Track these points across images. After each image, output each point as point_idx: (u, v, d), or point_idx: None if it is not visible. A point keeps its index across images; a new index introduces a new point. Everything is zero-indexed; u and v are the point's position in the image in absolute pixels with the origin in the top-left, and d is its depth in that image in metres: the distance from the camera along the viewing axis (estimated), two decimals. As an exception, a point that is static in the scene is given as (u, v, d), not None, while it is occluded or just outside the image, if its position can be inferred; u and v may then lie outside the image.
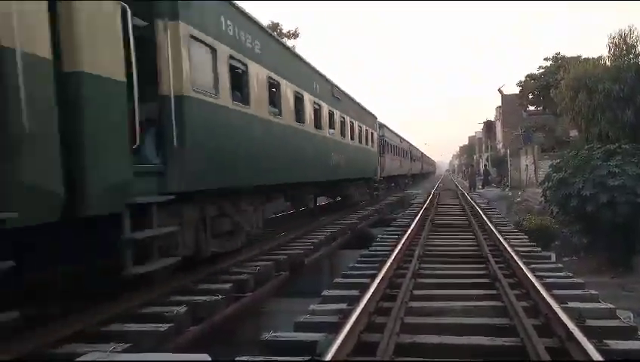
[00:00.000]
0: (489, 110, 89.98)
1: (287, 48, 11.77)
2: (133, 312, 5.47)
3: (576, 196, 17.76)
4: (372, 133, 21.93)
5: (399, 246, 8.99)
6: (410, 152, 41.49)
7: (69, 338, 4.67)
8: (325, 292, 6.67)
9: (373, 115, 22.86)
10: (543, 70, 42.16)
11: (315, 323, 5.45)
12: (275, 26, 29.96)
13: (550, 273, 7.54)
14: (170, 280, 6.55)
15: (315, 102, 12.73)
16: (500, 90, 52.56)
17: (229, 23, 7.72)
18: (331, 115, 14.61)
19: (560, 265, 8.54)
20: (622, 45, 20.97)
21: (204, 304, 5.86)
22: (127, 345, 4.46)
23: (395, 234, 11.48)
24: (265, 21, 29.84)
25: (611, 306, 5.78)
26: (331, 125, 14.61)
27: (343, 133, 16.15)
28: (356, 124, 18.40)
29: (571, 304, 5.69)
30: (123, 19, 5.32)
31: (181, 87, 6.31)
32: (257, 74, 8.81)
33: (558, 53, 42.08)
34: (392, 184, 31.83)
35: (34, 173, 4.20)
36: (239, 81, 8.23)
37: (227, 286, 6.58)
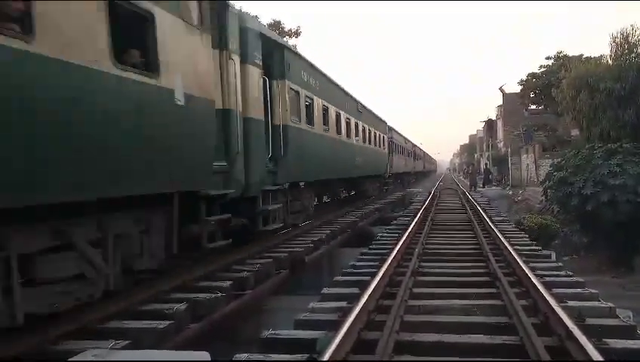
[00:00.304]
0: (490, 109, 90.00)
1: (333, 81, 15.42)
2: (133, 309, 5.48)
3: (576, 195, 17.77)
4: (383, 137, 25.60)
5: (399, 245, 8.99)
6: (414, 152, 45.49)
7: (68, 334, 4.67)
8: (325, 290, 6.67)
9: (384, 121, 26.83)
10: (544, 69, 42.09)
11: (315, 321, 5.45)
12: (276, 25, 29.93)
13: (550, 272, 7.54)
14: (171, 278, 6.57)
15: (346, 117, 16.67)
16: (501, 89, 52.51)
17: (304, 73, 11.91)
18: (356, 125, 18.41)
19: (560, 264, 8.54)
20: (624, 44, 20.96)
21: (204, 301, 5.87)
22: (127, 342, 4.47)
23: (396, 233, 11.49)
24: (267, 20, 29.85)
25: (611, 305, 5.78)
26: (356, 133, 18.39)
27: (363, 139, 19.92)
28: (372, 130, 22.13)
29: (571, 303, 5.69)
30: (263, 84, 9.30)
31: (286, 119, 10.26)
32: (317, 104, 12.95)
33: (560, 52, 42.03)
34: (398, 181, 34.47)
35: (237, 172, 7.97)
36: (308, 110, 12.22)
37: (227, 283, 6.58)
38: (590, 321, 5.13)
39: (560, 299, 5.59)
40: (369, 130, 21.09)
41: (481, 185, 39.44)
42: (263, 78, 9.29)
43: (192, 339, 5.34)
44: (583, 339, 4.17)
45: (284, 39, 28.60)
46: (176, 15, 6.09)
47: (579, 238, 20.03)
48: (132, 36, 5.52)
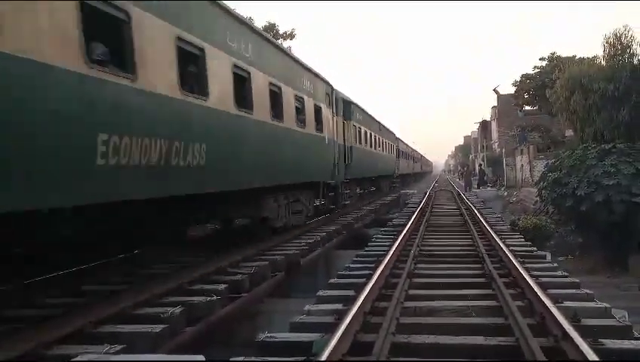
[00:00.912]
0: (485, 110, 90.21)
1: (372, 116, 24.54)
2: (127, 313, 5.44)
3: (571, 196, 17.82)
4: (393, 146, 33.33)
5: (395, 246, 8.98)
6: (413, 156, 54.59)
7: (63, 339, 4.64)
8: (320, 293, 6.66)
9: (394, 133, 35.22)
10: (538, 70, 42.26)
11: (311, 323, 5.44)
12: (271, 27, 29.93)
13: (545, 272, 7.56)
14: (167, 281, 6.54)
15: (377, 136, 25.08)
16: (495, 90, 52.70)
17: (358, 113, 20.16)
18: (379, 140, 26.21)
19: (555, 265, 8.56)
20: (617, 45, 21.03)
21: (199, 305, 5.84)
22: (121, 346, 4.44)
23: (391, 235, 11.48)
24: (262, 22, 29.87)
25: (607, 305, 5.79)
26: (379, 146, 26.15)
27: (383, 150, 27.78)
28: (388, 142, 30.05)
29: (567, 303, 5.70)
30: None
31: (351, 142, 18.11)
32: (366, 132, 21.65)
33: (553, 53, 42.20)
34: (399, 180, 40.03)
35: (335, 171, 15.10)
36: (362, 136, 20.73)
37: (222, 286, 6.56)
38: (586, 322, 5.14)
39: (555, 299, 5.59)
40: (386, 142, 29.00)
41: (476, 186, 39.50)
42: (343, 122, 17.03)
43: (188, 343, 5.31)
44: (578, 340, 4.18)
45: (279, 41, 28.71)
46: (325, 103, 14.34)
47: (574, 239, 20.08)
48: (317, 119, 13.42)
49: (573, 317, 5.07)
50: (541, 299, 5.40)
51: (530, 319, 5.20)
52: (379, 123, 26.73)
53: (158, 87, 6.25)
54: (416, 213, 15.70)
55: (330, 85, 15.19)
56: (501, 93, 51.76)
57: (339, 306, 5.77)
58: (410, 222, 12.86)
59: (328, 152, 14.28)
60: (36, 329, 4.70)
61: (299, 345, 4.78)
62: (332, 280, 7.49)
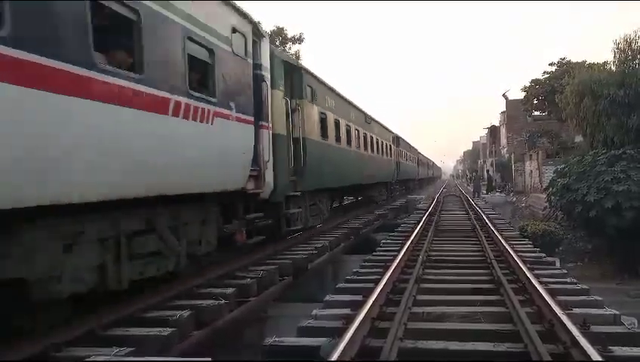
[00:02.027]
0: (494, 115, 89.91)
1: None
2: (137, 316, 5.48)
3: (580, 202, 17.71)
4: (414, 157, 40.48)
5: (403, 252, 8.98)
6: (428, 164, 63.31)
7: (72, 341, 4.67)
8: (328, 297, 6.67)
9: (415, 148, 41.41)
10: (547, 75, 42.10)
11: (318, 328, 5.45)
12: (279, 31, 30.03)
13: (554, 279, 7.52)
14: (175, 284, 6.57)
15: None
16: (504, 96, 52.49)
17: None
18: (400, 152, 30.67)
19: (564, 271, 8.53)
20: (627, 50, 20.94)
21: (207, 308, 5.86)
22: (130, 349, 4.46)
23: (399, 240, 11.47)
24: (269, 26, 29.93)
25: (616, 312, 5.76)
26: (402, 157, 31.57)
27: (406, 159, 34.59)
28: (410, 154, 36.79)
29: (576, 310, 5.68)
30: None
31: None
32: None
33: (563, 59, 42.05)
34: (403, 187, 38.69)
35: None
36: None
37: (230, 290, 6.57)
38: (595, 328, 5.11)
39: (565, 306, 5.57)
40: (407, 154, 33.00)
41: (485, 192, 39.34)
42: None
43: (196, 346, 5.34)
44: (587, 347, 4.16)
45: (288, 46, 28.71)
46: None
47: (583, 245, 19.95)
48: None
49: (583, 323, 5.04)
50: (550, 306, 5.38)
51: (538, 325, 5.17)
52: (397, 136, 30.48)
53: (342, 145, 15.39)
54: (424, 218, 15.68)
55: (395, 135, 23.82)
56: (510, 98, 51.57)
57: (347, 311, 5.77)
58: (418, 227, 12.84)
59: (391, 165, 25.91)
60: (45, 331, 4.73)
61: (306, 350, 4.79)
62: (340, 285, 7.50)
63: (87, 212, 4.94)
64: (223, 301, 6.13)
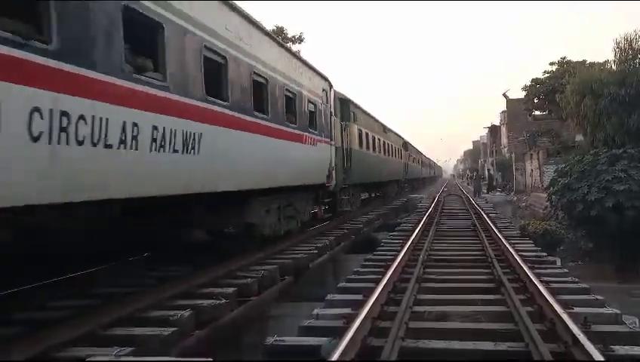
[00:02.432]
0: (494, 115, 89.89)
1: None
2: (138, 316, 5.47)
3: (581, 201, 17.69)
4: (418, 158, 43.82)
5: (404, 251, 8.98)
6: (430, 164, 68.42)
7: (73, 341, 4.67)
8: (329, 297, 6.66)
9: (419, 150, 46.10)
10: (548, 74, 42.08)
11: (320, 327, 5.45)
12: (279, 31, 30.02)
13: (555, 278, 7.52)
14: (178, 283, 6.57)
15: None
16: (504, 95, 52.48)
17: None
18: (408, 155, 34.91)
19: (565, 270, 8.53)
20: (628, 49, 20.92)
21: (208, 308, 5.85)
22: (131, 349, 4.46)
23: (400, 239, 11.46)
24: (270, 26, 29.93)
25: (617, 311, 5.76)
26: (412, 160, 36.88)
27: (413, 161, 38.67)
28: (415, 156, 40.35)
29: (577, 309, 5.67)
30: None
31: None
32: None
33: (563, 58, 42.02)
34: (407, 185, 41.57)
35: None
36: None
37: (231, 290, 6.57)
38: (596, 328, 5.10)
39: (566, 305, 5.57)
40: (415, 158, 37.92)
41: (486, 191, 39.34)
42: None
43: (197, 346, 5.33)
44: (589, 346, 4.15)
45: (288, 45, 28.92)
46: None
47: (584, 244, 19.92)
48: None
49: (584, 323, 5.04)
50: (551, 305, 5.38)
51: (540, 324, 5.17)
52: (405, 141, 34.05)
53: (370, 151, 20.70)
54: (425, 217, 15.68)
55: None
56: (510, 97, 51.55)
57: (348, 310, 5.77)
58: (419, 227, 12.84)
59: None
60: (47, 332, 4.73)
61: (307, 349, 4.79)
62: (341, 285, 7.50)
63: (273, 194, 9.86)
64: (224, 300, 6.13)
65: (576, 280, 7.56)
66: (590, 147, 21.03)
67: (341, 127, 15.76)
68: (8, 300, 6.12)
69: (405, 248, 9.32)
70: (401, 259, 8.24)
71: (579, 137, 28.35)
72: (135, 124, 5.42)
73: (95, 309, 5.37)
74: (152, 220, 7.81)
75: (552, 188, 20.20)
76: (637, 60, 20.54)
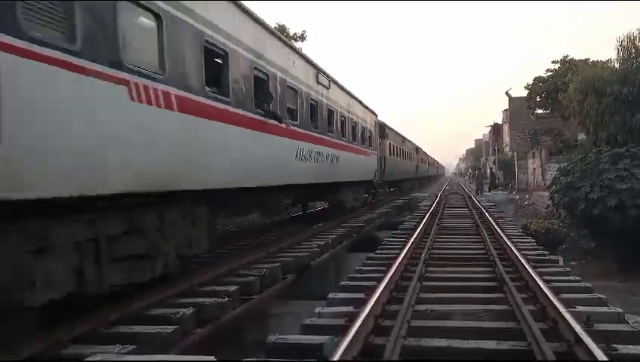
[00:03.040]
0: (497, 113, 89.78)
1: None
2: (139, 314, 5.48)
3: (583, 200, 17.68)
4: (425, 159, 50.19)
5: (406, 249, 8.96)
6: (434, 164, 75.39)
7: (76, 339, 4.68)
8: (331, 295, 6.66)
9: (425, 152, 52.54)
10: (551, 73, 41.98)
11: (322, 325, 5.44)
12: (282, 29, 29.99)
13: (558, 276, 7.51)
14: (177, 283, 6.58)
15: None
16: (507, 93, 52.36)
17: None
18: (418, 158, 42.05)
19: (568, 269, 8.50)
20: (630, 48, 20.88)
21: (210, 306, 5.85)
22: (133, 346, 4.47)
23: (402, 237, 11.45)
24: (272, 23, 29.90)
25: (620, 310, 5.74)
26: (421, 161, 45.07)
27: (423, 162, 47.52)
28: (423, 157, 47.34)
29: (579, 308, 5.65)
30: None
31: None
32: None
33: (566, 56, 41.91)
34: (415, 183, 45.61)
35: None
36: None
37: (233, 288, 6.57)
38: (599, 326, 5.09)
39: (568, 304, 5.55)
40: (423, 159, 44.46)
41: (487, 190, 39.31)
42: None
43: (199, 344, 5.33)
44: (591, 345, 4.14)
45: (291, 42, 28.88)
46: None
47: (586, 243, 19.92)
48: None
49: (586, 321, 5.03)
50: (553, 303, 5.36)
51: (542, 323, 5.16)
52: (418, 148, 41.67)
53: (394, 157, 27.89)
54: (427, 215, 15.66)
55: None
56: (513, 96, 51.46)
57: (350, 309, 5.77)
58: (421, 225, 12.83)
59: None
60: (50, 329, 4.74)
61: (310, 347, 4.78)
62: (343, 283, 7.49)
63: (350, 185, 16.90)
64: (226, 298, 6.13)
65: (579, 278, 7.54)
66: (593, 146, 21.01)
67: (379, 142, 22.18)
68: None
69: (407, 246, 9.31)
70: (403, 258, 8.23)
71: (581, 136, 28.33)
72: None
73: (97, 307, 5.36)
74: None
75: (554, 187, 20.20)
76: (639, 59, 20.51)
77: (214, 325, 5.74)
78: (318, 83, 12.50)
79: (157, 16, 5.83)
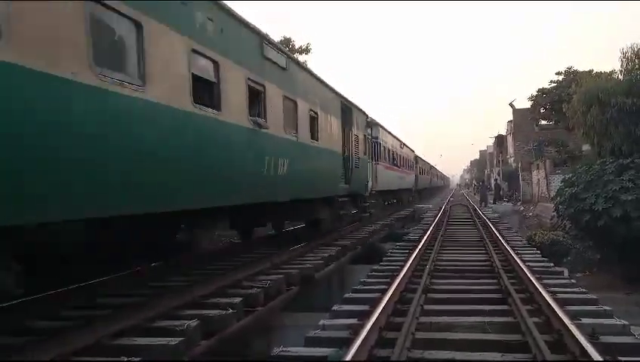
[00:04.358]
0: (501, 124, 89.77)
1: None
2: (144, 326, 5.48)
3: (588, 211, 17.62)
4: (428, 170, 50.40)
5: (410, 261, 8.96)
6: (438, 175, 76.15)
7: (81, 351, 4.69)
8: (335, 307, 6.65)
9: (429, 162, 54.35)
10: (554, 84, 42.08)
11: (326, 338, 5.44)
12: (287, 42, 30.18)
13: (563, 288, 7.48)
14: (184, 293, 6.58)
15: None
16: (511, 105, 52.45)
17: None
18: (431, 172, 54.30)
19: (573, 281, 8.47)
20: (634, 59, 20.90)
21: (215, 318, 5.86)
22: (138, 359, 4.47)
23: (406, 249, 11.44)
24: (277, 37, 30.10)
25: (625, 322, 5.72)
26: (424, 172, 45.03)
27: (424, 172, 45.69)
28: (425, 168, 47.06)
29: (585, 320, 5.64)
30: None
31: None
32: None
33: (570, 68, 42.08)
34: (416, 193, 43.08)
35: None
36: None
37: (237, 300, 6.57)
38: (604, 339, 5.07)
39: (573, 316, 5.54)
40: (430, 170, 47.13)
41: (492, 201, 39.24)
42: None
43: (203, 356, 5.33)
44: (597, 357, 4.13)
45: (295, 55, 29.11)
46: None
47: (591, 255, 19.80)
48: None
49: (592, 334, 5.01)
50: (559, 316, 5.35)
51: (547, 336, 5.15)
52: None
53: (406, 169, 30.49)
54: (431, 227, 15.64)
55: None
56: (517, 107, 51.53)
57: (354, 321, 5.76)
58: (425, 237, 12.81)
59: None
60: (54, 341, 4.75)
61: (313, 360, 4.78)
62: (347, 295, 7.48)
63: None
64: (231, 310, 6.13)
65: (584, 290, 7.52)
66: (597, 157, 20.96)
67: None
68: (20, 309, 6.14)
69: (412, 258, 9.30)
70: (407, 270, 8.23)
71: (586, 147, 28.27)
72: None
73: (102, 319, 5.38)
74: None
75: (558, 198, 20.14)
76: (644, 70, 20.52)
77: (219, 337, 5.74)
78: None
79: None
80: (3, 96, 3.93)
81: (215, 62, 7.26)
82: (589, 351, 4.28)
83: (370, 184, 18.29)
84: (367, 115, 18.54)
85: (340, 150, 14.14)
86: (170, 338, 5.00)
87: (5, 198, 3.99)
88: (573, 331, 4.78)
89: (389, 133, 26.55)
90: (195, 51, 6.70)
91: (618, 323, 5.75)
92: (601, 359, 4.11)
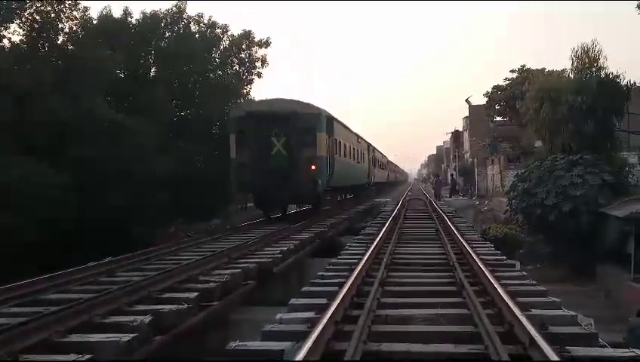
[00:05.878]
0: (457, 120, 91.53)
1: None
2: (95, 322, 5.35)
3: (540, 205, 18.15)
4: (385, 163, 49.34)
5: (367, 255, 9.01)
6: (396, 170, 74.56)
7: (29, 349, 4.53)
8: (293, 301, 6.64)
9: (386, 156, 52.34)
10: (509, 81, 43.10)
11: (283, 331, 5.42)
12: (247, 35, 29.90)
13: (514, 281, 7.67)
14: (134, 290, 6.45)
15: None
16: (467, 101, 53.50)
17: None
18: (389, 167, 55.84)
19: (524, 273, 8.69)
20: (584, 58, 21.56)
21: (169, 313, 5.76)
22: (89, 356, 4.35)
23: (364, 243, 11.51)
24: (237, 30, 29.72)
25: (573, 313, 5.91)
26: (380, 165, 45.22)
27: (383, 167, 46.32)
28: (382, 161, 45.69)
29: (534, 311, 5.79)
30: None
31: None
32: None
33: (523, 66, 43.10)
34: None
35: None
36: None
37: (193, 294, 6.48)
38: (553, 329, 5.22)
39: (524, 307, 5.68)
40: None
41: (448, 196, 39.98)
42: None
43: (157, 352, 5.24)
44: (545, 347, 4.25)
45: (254, 49, 28.85)
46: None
47: (543, 248, 20.41)
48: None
49: (541, 324, 5.15)
50: (510, 308, 5.48)
51: (499, 327, 5.26)
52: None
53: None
54: (389, 221, 15.79)
55: None
56: (473, 103, 52.58)
57: (311, 314, 5.76)
58: (382, 231, 12.92)
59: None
60: (2, 339, 4.58)
61: (270, 354, 4.76)
62: (304, 289, 7.47)
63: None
64: (186, 305, 6.05)
65: (534, 282, 7.73)
66: (548, 153, 21.58)
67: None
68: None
69: (369, 252, 9.36)
70: (364, 263, 8.28)
71: (538, 143, 29.07)
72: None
73: (51, 315, 5.21)
74: None
75: (512, 193, 20.69)
76: (593, 69, 21.18)
77: (173, 333, 5.65)
78: None
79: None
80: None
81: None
82: (537, 340, 4.40)
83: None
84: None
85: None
86: (122, 335, 4.90)
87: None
88: (523, 322, 4.91)
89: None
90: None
91: (566, 314, 5.93)
92: (549, 348, 4.22)
